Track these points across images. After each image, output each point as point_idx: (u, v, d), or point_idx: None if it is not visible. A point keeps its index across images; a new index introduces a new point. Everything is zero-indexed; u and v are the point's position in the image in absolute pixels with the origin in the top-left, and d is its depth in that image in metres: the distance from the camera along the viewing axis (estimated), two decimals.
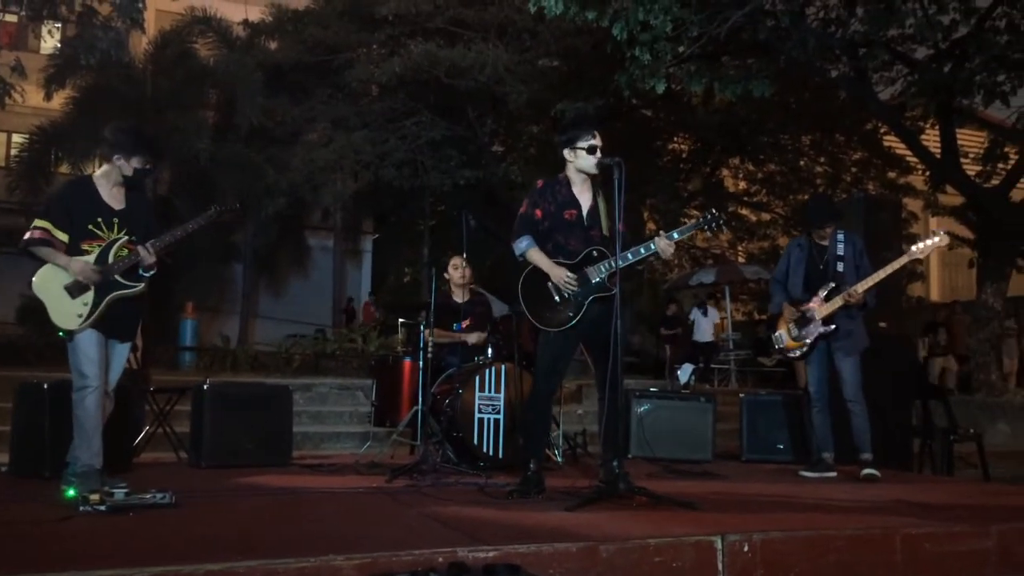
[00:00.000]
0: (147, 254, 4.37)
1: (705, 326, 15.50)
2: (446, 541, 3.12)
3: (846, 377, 5.65)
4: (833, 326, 5.63)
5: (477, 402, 5.74)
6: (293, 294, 18.73)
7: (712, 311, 15.92)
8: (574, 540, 3.13)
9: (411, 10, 14.85)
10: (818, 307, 5.66)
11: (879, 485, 5.34)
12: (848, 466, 5.74)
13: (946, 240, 5.47)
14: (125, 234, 4.41)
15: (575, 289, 4.43)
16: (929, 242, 5.45)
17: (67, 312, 4.26)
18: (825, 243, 5.84)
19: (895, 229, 7.64)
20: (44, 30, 15.17)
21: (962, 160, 13.16)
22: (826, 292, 5.65)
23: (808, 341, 5.71)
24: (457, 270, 6.61)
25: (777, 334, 5.93)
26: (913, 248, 5.48)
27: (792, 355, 5.92)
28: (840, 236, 5.81)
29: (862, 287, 5.50)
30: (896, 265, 5.50)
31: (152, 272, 4.47)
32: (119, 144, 4.41)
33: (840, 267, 5.72)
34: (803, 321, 5.74)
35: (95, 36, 13.99)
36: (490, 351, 6.13)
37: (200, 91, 16.45)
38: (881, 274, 5.51)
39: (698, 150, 19.63)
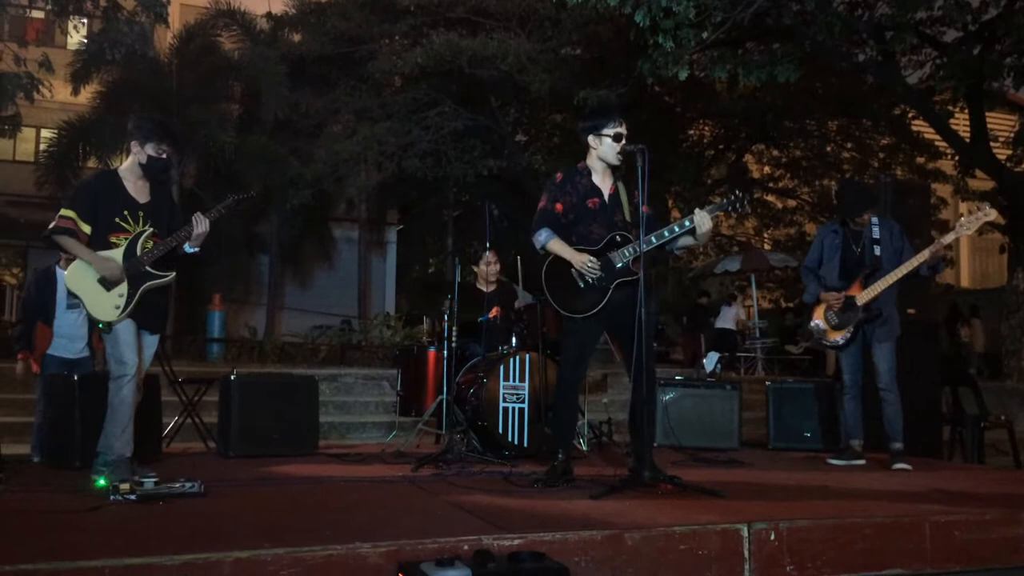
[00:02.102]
0: (202, 223, 4.42)
1: (727, 314, 15.46)
2: (471, 529, 3.14)
3: (881, 365, 5.57)
4: (877, 312, 5.51)
5: (502, 391, 5.75)
6: (319, 285, 18.82)
7: (736, 303, 15.90)
8: (599, 528, 3.13)
9: (433, 0, 14.84)
10: (858, 293, 5.57)
11: (908, 473, 5.29)
12: (877, 454, 5.69)
13: (993, 215, 5.29)
14: (150, 226, 4.47)
15: (598, 274, 4.41)
16: (974, 216, 5.26)
17: (105, 305, 4.32)
18: (860, 228, 5.73)
19: (924, 215, 7.55)
20: (70, 25, 15.30)
21: (992, 144, 12.96)
22: (864, 278, 5.55)
23: (852, 328, 5.60)
24: (489, 266, 6.63)
25: (816, 323, 5.78)
26: (958, 224, 5.31)
27: (834, 344, 5.73)
28: (874, 220, 5.70)
29: (947, 239, 5.35)
30: (947, 240, 5.39)
31: (196, 249, 4.51)
32: (136, 130, 4.47)
33: (877, 251, 5.61)
34: (845, 309, 5.61)
35: (120, 31, 14.10)
36: (514, 340, 6.13)
37: (225, 84, 16.53)
38: (936, 247, 5.39)
39: (722, 136, 19.48)
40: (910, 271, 5.44)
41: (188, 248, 4.52)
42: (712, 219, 4.42)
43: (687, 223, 4.41)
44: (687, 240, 4.52)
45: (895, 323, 5.65)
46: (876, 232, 5.67)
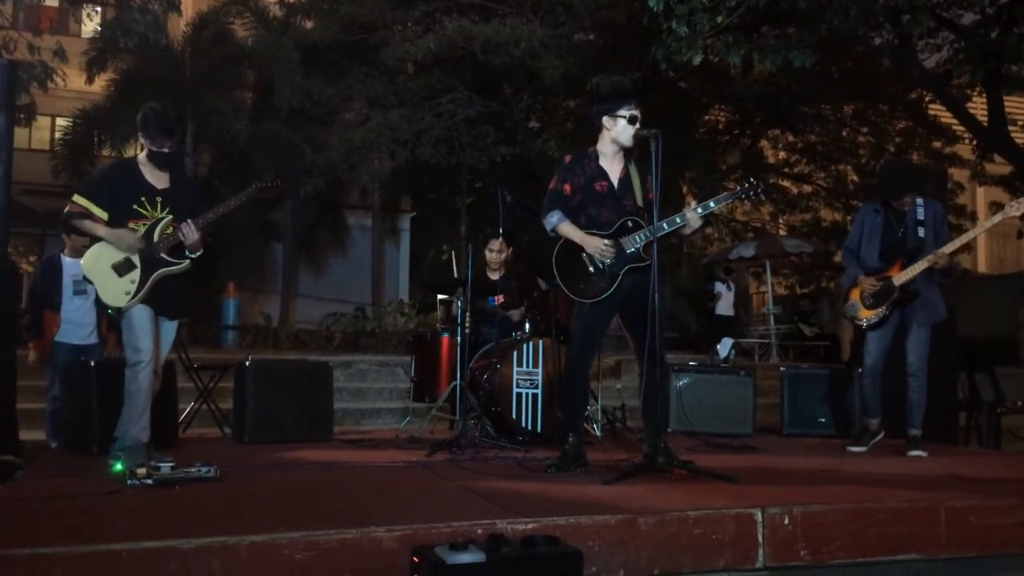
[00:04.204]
0: (190, 231, 4.42)
1: (725, 298, 15.40)
2: (485, 513, 3.15)
3: (914, 348, 5.43)
4: (915, 293, 5.37)
5: (515, 377, 5.76)
6: (333, 273, 18.87)
7: (731, 285, 15.78)
8: (613, 512, 3.14)
9: None
10: (897, 275, 5.41)
11: (923, 458, 5.27)
12: (895, 440, 5.66)
13: None
14: (169, 213, 4.49)
15: (611, 259, 4.40)
16: (1021, 200, 5.12)
17: (115, 290, 4.36)
18: (904, 208, 5.53)
19: (941, 200, 7.50)
20: (84, 14, 15.35)
21: (1010, 128, 12.83)
22: (905, 259, 5.39)
23: (885, 310, 5.45)
24: (492, 253, 6.63)
25: (851, 303, 5.64)
26: (1007, 206, 5.17)
27: (867, 322, 5.57)
28: (919, 201, 5.50)
29: (949, 248, 5.26)
30: (988, 224, 5.26)
31: (198, 253, 4.53)
32: (139, 123, 4.50)
33: (921, 232, 5.43)
34: (882, 290, 5.45)
35: (133, 19, 14.14)
36: (527, 326, 6.13)
37: (238, 72, 16.53)
38: (971, 234, 5.28)
39: (737, 121, 19.36)
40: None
41: (189, 253, 4.53)
42: (701, 218, 4.45)
43: (678, 220, 4.40)
44: (684, 230, 4.52)
45: (938, 307, 5.48)
46: (921, 213, 5.47)
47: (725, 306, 15.32)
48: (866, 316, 5.55)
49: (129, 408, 4.35)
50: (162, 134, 4.46)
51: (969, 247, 22.39)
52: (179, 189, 4.61)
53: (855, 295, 5.63)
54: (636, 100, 4.55)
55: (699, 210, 4.47)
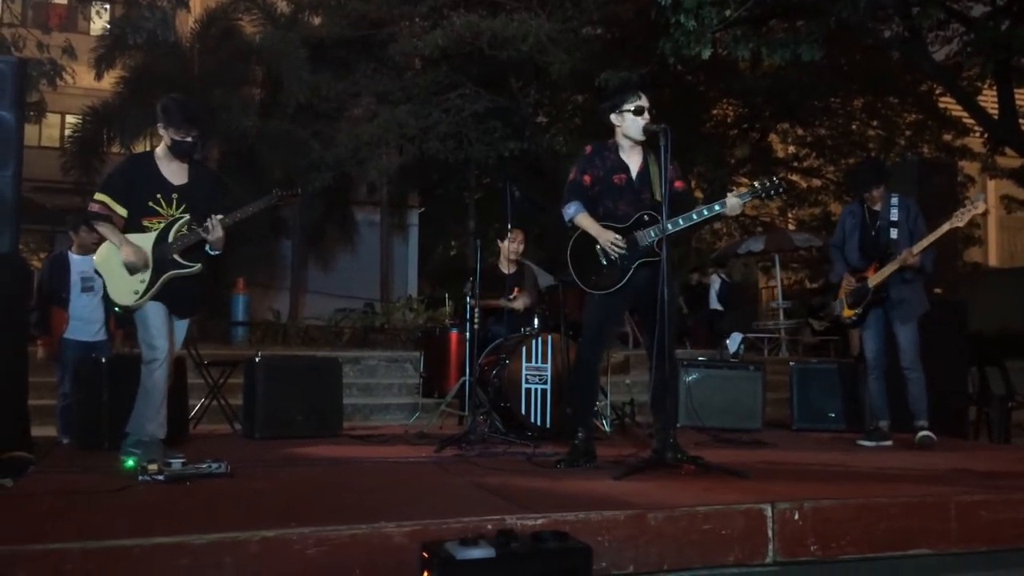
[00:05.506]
0: (215, 229, 4.37)
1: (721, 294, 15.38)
2: (494, 509, 3.15)
3: (903, 344, 5.60)
4: (885, 294, 5.59)
5: (524, 372, 5.76)
6: (341, 269, 18.87)
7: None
8: (622, 508, 3.14)
9: None
10: (872, 276, 5.63)
11: (933, 453, 5.26)
12: (903, 434, 5.66)
13: (982, 208, 5.39)
14: (184, 210, 4.46)
15: (623, 252, 4.40)
16: (964, 210, 5.31)
17: (124, 288, 4.36)
18: (878, 208, 5.74)
19: (951, 193, 7.47)
20: (93, 11, 15.37)
21: (1021, 121, 12.75)
22: (879, 262, 5.62)
23: (860, 309, 5.69)
24: (515, 243, 6.63)
25: (837, 300, 5.95)
26: (954, 216, 5.33)
27: (847, 322, 5.92)
28: (894, 201, 5.71)
29: (918, 248, 5.42)
30: (938, 233, 5.38)
31: (218, 252, 4.51)
32: (161, 113, 4.46)
33: (893, 233, 5.64)
34: (859, 291, 5.72)
35: (142, 16, 14.16)
36: (536, 321, 6.13)
37: (246, 69, 16.52)
38: (931, 237, 5.40)
39: (746, 115, 19.28)
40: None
41: (210, 251, 4.52)
42: (742, 205, 4.42)
43: (716, 207, 4.39)
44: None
45: (917, 303, 5.63)
46: (895, 214, 5.67)
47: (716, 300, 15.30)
48: (847, 316, 5.84)
49: (145, 405, 4.35)
50: (187, 122, 4.42)
51: (980, 240, 22.29)
52: (197, 186, 4.55)
53: (842, 291, 5.89)
54: (640, 91, 4.54)
55: (739, 199, 4.41)
